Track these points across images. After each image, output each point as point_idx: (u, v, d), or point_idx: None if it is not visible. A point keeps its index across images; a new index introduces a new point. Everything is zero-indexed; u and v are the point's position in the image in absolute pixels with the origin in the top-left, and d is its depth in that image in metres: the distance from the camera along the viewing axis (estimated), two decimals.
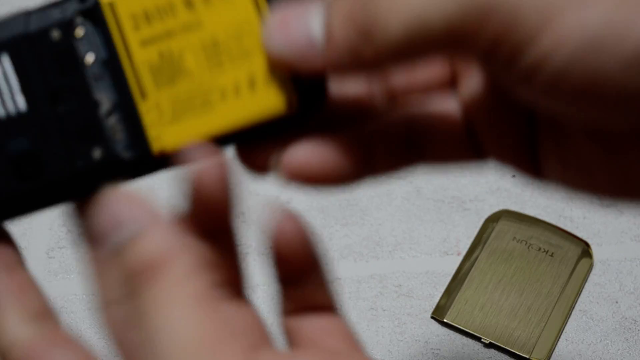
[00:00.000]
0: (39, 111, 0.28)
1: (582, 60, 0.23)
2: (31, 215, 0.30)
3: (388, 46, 0.25)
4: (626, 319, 0.53)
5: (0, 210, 0.29)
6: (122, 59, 0.28)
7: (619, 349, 0.52)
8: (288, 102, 0.28)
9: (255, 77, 0.28)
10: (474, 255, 0.56)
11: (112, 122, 0.29)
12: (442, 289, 0.55)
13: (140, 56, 0.28)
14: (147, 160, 0.28)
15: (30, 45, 0.28)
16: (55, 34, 0.28)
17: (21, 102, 0.28)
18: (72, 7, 0.28)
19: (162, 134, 0.28)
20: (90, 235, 0.27)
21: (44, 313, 0.27)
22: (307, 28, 0.26)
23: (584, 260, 0.55)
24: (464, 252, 0.57)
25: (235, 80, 0.28)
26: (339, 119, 0.29)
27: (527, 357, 0.52)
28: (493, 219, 0.57)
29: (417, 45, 0.25)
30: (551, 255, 0.56)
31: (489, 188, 0.60)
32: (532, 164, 0.28)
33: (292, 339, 0.29)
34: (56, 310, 0.28)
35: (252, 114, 0.28)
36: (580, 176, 0.27)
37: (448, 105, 0.30)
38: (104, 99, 0.29)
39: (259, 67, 0.28)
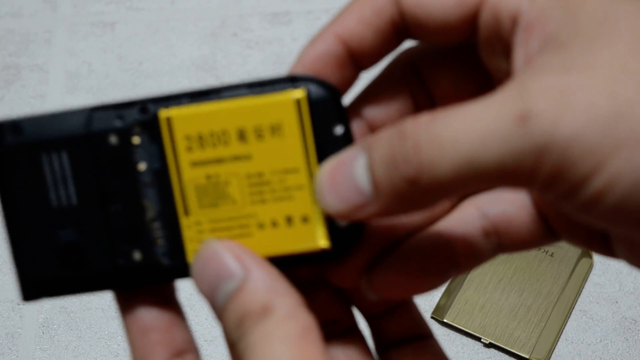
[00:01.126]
0: (89, 207, 0.30)
1: (637, 195, 0.23)
2: (71, 296, 0.31)
3: (437, 188, 0.25)
4: (626, 319, 0.53)
5: (42, 290, 0.31)
6: (171, 173, 0.30)
7: (618, 349, 0.52)
8: (323, 240, 0.30)
9: (293, 215, 0.30)
10: None
11: (155, 228, 0.30)
12: (442, 289, 0.55)
13: (188, 175, 0.30)
14: (183, 269, 0.30)
15: (89, 145, 0.30)
16: (113, 139, 0.30)
17: (73, 197, 0.30)
18: (132, 116, 0.30)
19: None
20: (202, 290, 0.29)
21: (186, 349, 0.30)
22: (353, 181, 0.27)
23: (584, 260, 0.55)
24: None
25: (274, 215, 0.30)
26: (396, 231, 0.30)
27: (527, 357, 0.52)
28: None
29: (468, 182, 0.25)
30: (551, 255, 0.56)
31: None
32: (604, 247, 0.29)
33: None
34: (196, 344, 0.31)
35: (287, 247, 0.30)
36: None
37: (519, 199, 0.30)
38: (151, 206, 0.30)
39: (298, 206, 0.30)
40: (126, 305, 0.31)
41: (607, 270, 0.55)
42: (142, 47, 0.68)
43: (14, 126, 0.30)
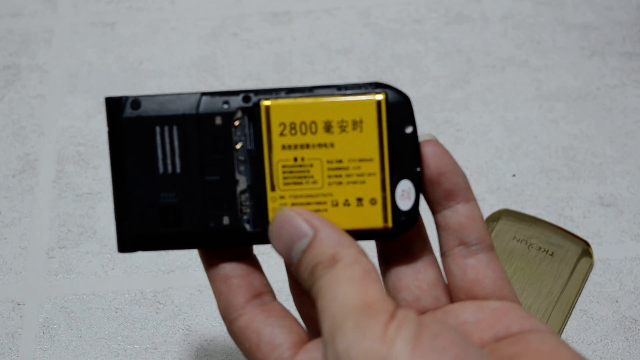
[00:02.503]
0: (190, 176, 0.35)
1: None
2: (165, 251, 0.36)
3: None
4: (626, 318, 0.53)
5: (139, 244, 0.36)
6: (264, 153, 0.35)
7: (619, 349, 0.52)
8: (385, 221, 0.36)
9: (364, 197, 0.35)
10: None
11: (243, 199, 0.36)
12: None
13: (278, 156, 0.35)
14: (263, 236, 0.36)
15: (197, 123, 0.35)
16: (219, 120, 0.35)
17: (178, 165, 0.35)
18: (236, 103, 0.35)
19: None
20: (279, 249, 0.35)
21: (263, 291, 0.36)
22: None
23: (584, 260, 0.55)
24: None
25: (347, 196, 0.35)
26: None
27: None
28: (493, 219, 0.57)
29: None
30: (551, 255, 0.56)
31: (489, 187, 0.60)
32: None
33: (452, 283, 0.37)
34: (271, 288, 0.37)
35: (355, 223, 0.35)
36: None
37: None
38: (242, 180, 0.35)
39: (368, 189, 0.35)
40: (210, 261, 0.36)
41: (607, 270, 0.55)
42: (142, 47, 0.68)
43: (134, 101, 0.35)
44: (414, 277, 0.37)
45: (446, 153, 0.36)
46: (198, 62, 0.67)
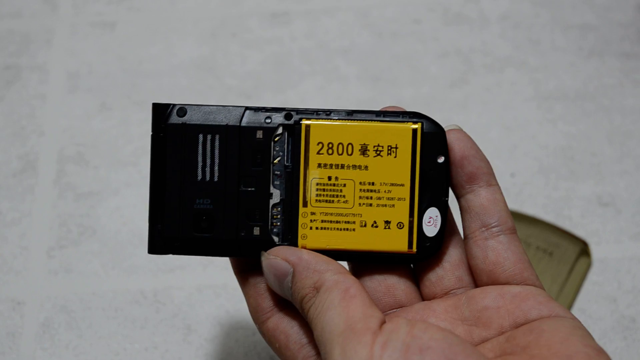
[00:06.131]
0: (227, 185, 0.37)
1: None
2: (195, 255, 0.38)
3: None
4: (624, 317, 0.53)
5: (170, 247, 0.37)
6: (300, 170, 0.37)
7: (617, 348, 0.52)
8: (409, 245, 0.37)
9: (392, 220, 0.37)
10: None
11: (275, 212, 0.37)
12: None
13: (313, 174, 0.37)
14: None
15: (239, 135, 0.37)
16: (260, 134, 0.37)
17: (216, 174, 0.37)
18: (278, 119, 0.37)
19: (307, 235, 0.37)
20: (278, 292, 0.37)
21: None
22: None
23: (583, 259, 0.56)
24: None
25: (376, 218, 0.37)
26: None
27: None
28: None
29: None
30: (550, 254, 0.56)
31: None
32: None
33: (475, 266, 0.37)
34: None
35: (380, 245, 0.37)
36: None
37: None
38: (276, 193, 0.37)
39: (397, 213, 0.37)
40: (240, 266, 0.38)
41: (605, 269, 0.56)
42: (142, 47, 0.68)
43: (181, 109, 0.37)
44: (437, 257, 0.38)
45: (470, 140, 0.37)
46: (198, 62, 0.67)
